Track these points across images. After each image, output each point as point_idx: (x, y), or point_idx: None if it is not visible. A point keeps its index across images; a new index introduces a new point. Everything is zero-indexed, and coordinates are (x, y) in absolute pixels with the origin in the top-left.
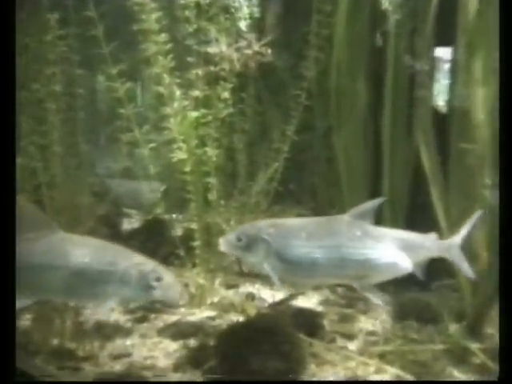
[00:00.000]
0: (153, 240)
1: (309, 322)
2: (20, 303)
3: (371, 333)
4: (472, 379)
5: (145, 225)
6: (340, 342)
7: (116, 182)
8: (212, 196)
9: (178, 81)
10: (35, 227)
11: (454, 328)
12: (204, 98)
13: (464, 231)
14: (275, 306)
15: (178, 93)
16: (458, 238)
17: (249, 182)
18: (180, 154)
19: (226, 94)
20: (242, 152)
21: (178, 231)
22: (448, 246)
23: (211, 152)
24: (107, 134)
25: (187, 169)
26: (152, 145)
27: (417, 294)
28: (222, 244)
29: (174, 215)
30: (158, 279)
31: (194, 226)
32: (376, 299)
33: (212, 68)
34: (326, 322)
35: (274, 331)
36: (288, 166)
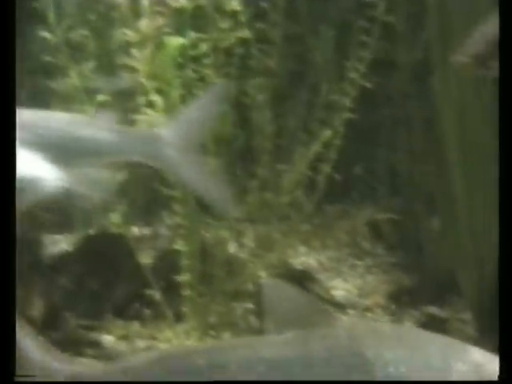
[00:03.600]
0: (100, 273)
1: None
2: None
3: None
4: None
5: (84, 245)
6: None
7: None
8: None
9: None
10: (311, 321)
11: None
12: (194, 9)
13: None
14: None
15: None
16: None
17: (277, 166)
18: (152, 118)
19: (234, 3)
20: (264, 110)
21: (148, 257)
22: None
23: None
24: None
25: None
26: (98, 97)
27: None
28: None
29: (138, 228)
30: None
31: (179, 245)
32: None
33: None
34: None
35: None
36: (351, 135)
